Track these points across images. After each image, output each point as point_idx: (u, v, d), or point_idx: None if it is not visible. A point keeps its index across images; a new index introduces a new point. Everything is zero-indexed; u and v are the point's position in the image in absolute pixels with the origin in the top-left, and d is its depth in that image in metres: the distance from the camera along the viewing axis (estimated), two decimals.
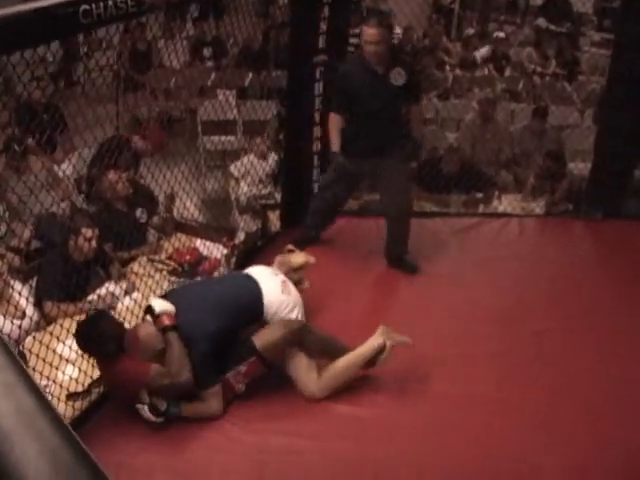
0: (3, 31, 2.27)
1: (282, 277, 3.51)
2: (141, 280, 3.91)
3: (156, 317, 3.11)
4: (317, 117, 4.54)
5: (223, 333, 3.17)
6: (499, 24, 9.65)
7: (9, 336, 3.21)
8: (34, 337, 3.25)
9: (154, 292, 3.78)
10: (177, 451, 2.98)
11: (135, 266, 4.13)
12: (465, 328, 3.81)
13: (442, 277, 4.29)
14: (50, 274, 3.71)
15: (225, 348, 3.18)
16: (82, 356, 3.19)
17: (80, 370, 3.18)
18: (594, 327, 3.88)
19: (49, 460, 0.73)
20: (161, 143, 5.77)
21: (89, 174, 4.88)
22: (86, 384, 3.19)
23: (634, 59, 4.62)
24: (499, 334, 3.78)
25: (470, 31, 9.30)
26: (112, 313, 3.41)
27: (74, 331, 3.13)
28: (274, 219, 4.82)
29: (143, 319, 3.27)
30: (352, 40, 4.78)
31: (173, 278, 4.07)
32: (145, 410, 3.00)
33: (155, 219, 4.52)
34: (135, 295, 3.78)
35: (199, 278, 4.03)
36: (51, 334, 3.21)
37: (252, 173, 5.32)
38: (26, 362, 3.05)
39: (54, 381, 3.10)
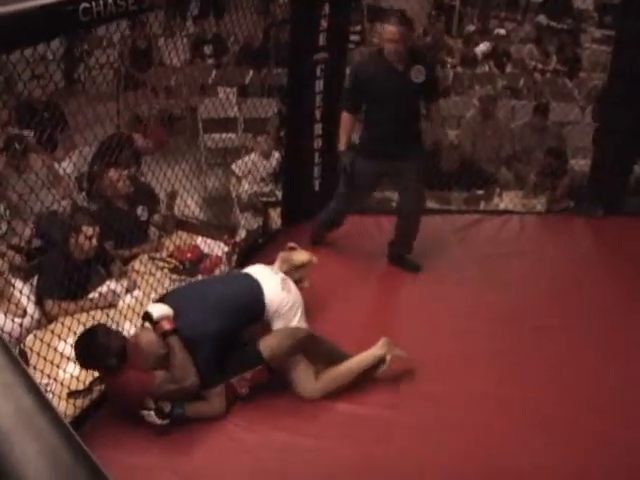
0: (2, 29, 2.26)
1: (282, 275, 3.51)
2: (142, 278, 3.90)
3: (155, 323, 3.08)
4: (318, 114, 4.53)
5: (224, 333, 3.16)
6: (500, 21, 9.65)
7: (10, 334, 3.21)
8: (35, 335, 3.24)
9: (155, 290, 3.78)
10: (179, 451, 2.98)
11: (136, 264, 4.13)
12: (466, 326, 3.81)
13: (443, 274, 4.28)
14: (51, 272, 3.70)
15: (227, 348, 3.17)
16: None
17: (81, 368, 3.17)
18: (595, 324, 3.88)
19: (49, 460, 0.73)
20: (162, 141, 5.75)
21: (90, 172, 4.87)
22: (87, 382, 3.19)
23: (635, 55, 4.62)
24: (500, 332, 3.77)
25: (471, 28, 9.29)
26: (113, 311, 3.40)
27: (74, 347, 3.08)
28: (275, 216, 4.82)
29: (142, 326, 3.24)
30: (352, 37, 4.77)
31: (174, 276, 4.06)
32: (151, 415, 2.99)
33: (156, 217, 4.51)
34: (136, 293, 3.78)
35: (200, 276, 4.03)
36: (52, 332, 3.20)
37: (254, 172, 5.32)
38: (27, 360, 3.05)
39: (55, 379, 3.10)
